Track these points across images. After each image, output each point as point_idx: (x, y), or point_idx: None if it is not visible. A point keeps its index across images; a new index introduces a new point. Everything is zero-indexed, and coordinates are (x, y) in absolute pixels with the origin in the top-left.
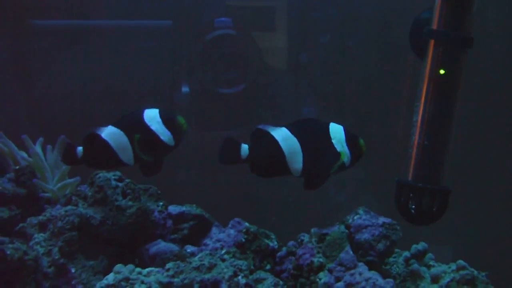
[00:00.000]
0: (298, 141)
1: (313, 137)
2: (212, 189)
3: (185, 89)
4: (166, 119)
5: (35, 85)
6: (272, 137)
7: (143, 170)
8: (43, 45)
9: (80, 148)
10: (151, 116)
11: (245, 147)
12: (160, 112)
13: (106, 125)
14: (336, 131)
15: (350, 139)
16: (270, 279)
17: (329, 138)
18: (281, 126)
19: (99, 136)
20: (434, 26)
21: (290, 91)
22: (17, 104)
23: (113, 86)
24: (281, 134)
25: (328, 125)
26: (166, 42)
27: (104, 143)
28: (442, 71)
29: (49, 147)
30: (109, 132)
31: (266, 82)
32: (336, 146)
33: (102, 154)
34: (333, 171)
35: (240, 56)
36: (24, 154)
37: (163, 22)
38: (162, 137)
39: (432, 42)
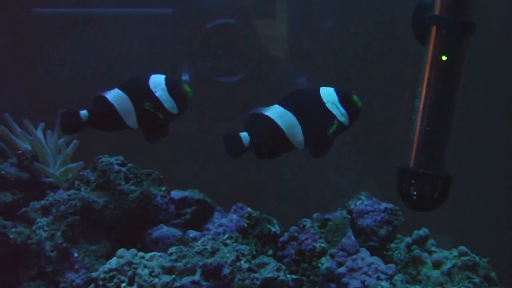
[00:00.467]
0: (293, 114)
1: (306, 106)
2: (214, 176)
3: (185, 77)
4: (171, 87)
5: (36, 71)
6: (267, 117)
7: (146, 135)
8: (43, 32)
9: (84, 112)
10: (157, 82)
11: (245, 135)
12: (165, 79)
13: (112, 87)
14: (328, 94)
15: (343, 98)
16: (273, 263)
17: (323, 103)
18: (272, 104)
19: (105, 99)
20: (436, 12)
21: (292, 78)
22: (17, 90)
23: (113, 73)
24: (275, 112)
25: (319, 90)
26: (166, 30)
27: (110, 105)
28: (444, 57)
29: (49, 132)
30: (114, 95)
31: (266, 70)
32: (330, 109)
33: (107, 116)
34: (331, 132)
35: (240, 45)
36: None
37: (164, 10)
38: (165, 104)
39: (434, 28)
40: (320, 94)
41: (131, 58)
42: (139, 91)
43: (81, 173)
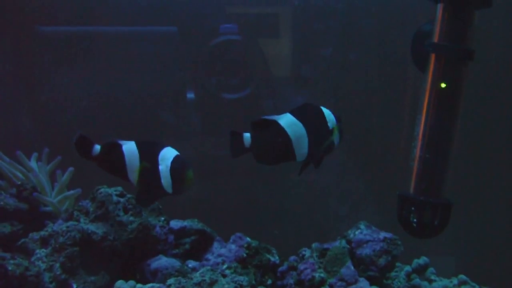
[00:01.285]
0: (304, 126)
1: (314, 121)
2: (214, 201)
3: (190, 94)
4: (175, 167)
5: (41, 93)
6: (278, 124)
7: (136, 196)
8: (49, 52)
9: (97, 147)
10: (166, 156)
11: (247, 136)
12: (175, 157)
13: (131, 139)
14: (328, 114)
15: (338, 119)
16: None
17: (326, 121)
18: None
19: (119, 147)
20: (435, 39)
21: (293, 100)
22: (22, 112)
23: (119, 93)
24: (287, 121)
25: (321, 108)
26: (172, 48)
27: (120, 155)
28: (443, 85)
29: (39, 163)
30: (127, 148)
31: (271, 88)
32: (331, 128)
33: (114, 164)
34: (323, 148)
35: (245, 62)
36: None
37: (169, 28)
38: (162, 180)
39: (433, 55)
40: (323, 112)
41: (135, 76)
42: (148, 156)
43: (80, 203)
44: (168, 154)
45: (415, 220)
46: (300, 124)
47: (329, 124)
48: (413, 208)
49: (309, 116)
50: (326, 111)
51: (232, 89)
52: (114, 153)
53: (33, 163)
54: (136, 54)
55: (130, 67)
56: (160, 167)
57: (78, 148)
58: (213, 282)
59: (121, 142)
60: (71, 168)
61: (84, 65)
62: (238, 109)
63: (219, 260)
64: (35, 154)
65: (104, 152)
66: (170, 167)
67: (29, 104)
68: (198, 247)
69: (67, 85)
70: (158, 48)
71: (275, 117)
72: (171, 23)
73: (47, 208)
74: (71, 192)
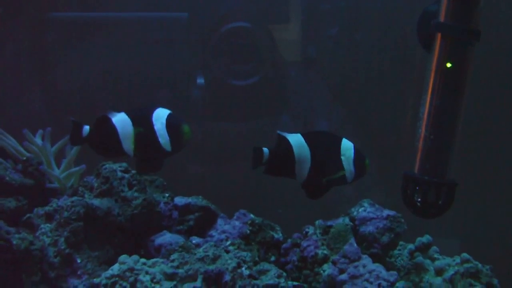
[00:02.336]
0: (310, 150)
1: (323, 150)
2: (218, 181)
3: (200, 80)
4: (170, 123)
5: (53, 77)
6: (288, 142)
7: (136, 165)
8: (61, 37)
9: (86, 127)
10: (160, 115)
11: (266, 151)
12: (168, 115)
13: (120, 110)
14: (347, 148)
15: (358, 158)
16: (274, 270)
17: (339, 154)
18: (297, 132)
19: (109, 120)
20: (441, 19)
21: (303, 83)
22: (35, 95)
23: (129, 77)
24: (296, 140)
25: (341, 140)
26: (182, 34)
27: (112, 127)
28: (449, 65)
29: (44, 141)
30: (119, 119)
31: (281, 74)
32: (343, 163)
33: (107, 138)
34: (331, 180)
35: (254, 49)
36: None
37: (180, 14)
38: (160, 139)
39: (439, 35)
40: (340, 145)
41: (145, 61)
42: (141, 120)
43: (85, 179)
44: (161, 113)
45: (419, 199)
46: (306, 147)
47: (342, 158)
48: (417, 188)
49: (320, 143)
50: (346, 145)
51: (241, 76)
52: (104, 127)
53: (38, 141)
54: (146, 39)
55: (140, 52)
56: (155, 127)
57: (71, 134)
58: (216, 257)
59: (111, 114)
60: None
61: (96, 51)
62: (248, 95)
63: (223, 236)
64: (40, 132)
65: (93, 130)
66: (166, 124)
67: (40, 85)
68: (202, 224)
69: (77, 69)
70: (168, 33)
71: (287, 134)
72: (182, 9)
73: (53, 184)
74: (76, 168)
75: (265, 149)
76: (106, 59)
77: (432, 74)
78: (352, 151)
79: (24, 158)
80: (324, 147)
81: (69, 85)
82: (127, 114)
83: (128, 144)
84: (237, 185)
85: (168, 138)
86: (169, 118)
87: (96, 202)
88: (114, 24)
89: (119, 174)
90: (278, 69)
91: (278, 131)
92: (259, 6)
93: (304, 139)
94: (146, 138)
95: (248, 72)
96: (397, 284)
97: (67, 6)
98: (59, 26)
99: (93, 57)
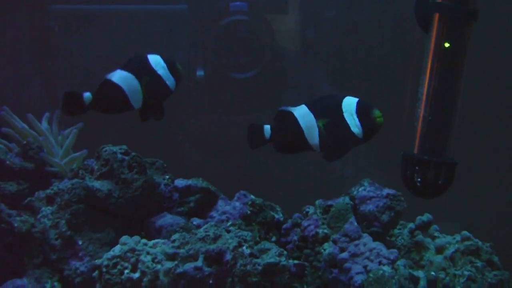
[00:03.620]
0: (314, 115)
1: (326, 111)
2: (219, 166)
3: (199, 72)
4: (170, 65)
5: (54, 64)
6: (292, 115)
7: (142, 115)
8: (60, 28)
9: (88, 94)
10: (156, 61)
11: (267, 128)
12: (165, 60)
13: (112, 69)
14: (349, 103)
15: (361, 109)
16: (274, 249)
17: (341, 111)
18: (301, 104)
19: (111, 81)
20: None
21: (303, 70)
22: (36, 83)
23: None
24: (300, 112)
25: (342, 99)
26: (181, 26)
27: (117, 87)
28: (446, 45)
29: (47, 126)
30: (120, 76)
31: (280, 66)
32: (346, 118)
33: (114, 98)
34: (345, 142)
35: (254, 42)
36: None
37: (179, 6)
38: (167, 82)
39: (436, 15)
40: (341, 102)
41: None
42: (143, 70)
43: (85, 162)
44: (156, 59)
45: (419, 179)
46: (311, 115)
47: (345, 115)
48: (417, 168)
49: (322, 106)
50: (349, 101)
51: (240, 69)
52: (109, 88)
53: (44, 124)
54: (146, 31)
55: (140, 44)
56: (159, 72)
57: (68, 106)
58: (217, 237)
59: (108, 76)
60: (75, 130)
61: (97, 42)
62: (247, 88)
63: (224, 217)
64: (46, 115)
65: (98, 94)
66: (167, 67)
67: (41, 73)
68: (203, 205)
69: (78, 59)
70: (168, 26)
71: (290, 108)
72: (182, 1)
73: (53, 168)
74: (77, 153)
75: (266, 126)
76: (106, 50)
77: (431, 55)
78: (354, 105)
79: (24, 142)
80: (326, 108)
81: (70, 73)
82: (125, 70)
83: (135, 98)
84: (235, 170)
85: (173, 79)
86: (167, 62)
87: (97, 184)
88: (114, 16)
89: (119, 156)
90: (277, 61)
91: (281, 108)
92: None
93: (308, 107)
94: (155, 84)
95: (247, 65)
96: (398, 262)
97: None
98: (60, 17)
99: (92, 48)
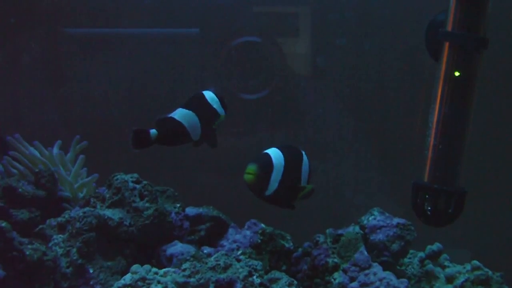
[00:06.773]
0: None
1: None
2: (229, 189)
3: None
4: (221, 99)
5: (68, 89)
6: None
7: (198, 143)
8: (74, 52)
9: (154, 131)
10: (211, 97)
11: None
12: (215, 94)
13: (174, 109)
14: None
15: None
16: (285, 278)
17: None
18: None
19: (173, 119)
20: (449, 28)
21: (312, 94)
22: (50, 106)
23: (142, 91)
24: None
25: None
26: (194, 50)
27: (179, 124)
28: (457, 73)
29: (58, 152)
30: (182, 114)
31: (290, 87)
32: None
33: (177, 133)
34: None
35: (264, 63)
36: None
37: (191, 30)
38: (220, 114)
39: (447, 44)
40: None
41: (159, 76)
42: (202, 108)
43: (97, 190)
44: (211, 95)
45: (429, 208)
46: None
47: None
48: (427, 196)
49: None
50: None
51: (251, 90)
52: (173, 126)
53: (55, 151)
54: (159, 55)
55: (153, 67)
56: (214, 106)
57: (137, 141)
58: (228, 266)
59: (172, 115)
60: (82, 156)
61: (111, 66)
62: (257, 109)
63: (234, 246)
64: (58, 142)
65: (162, 131)
66: (219, 102)
67: (54, 97)
68: (214, 234)
69: (91, 82)
70: (180, 49)
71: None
72: (194, 25)
73: (65, 193)
74: (88, 178)
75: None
76: (120, 73)
77: (441, 83)
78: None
79: (37, 170)
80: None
81: (84, 98)
82: (186, 108)
83: (195, 132)
84: (246, 196)
85: (223, 111)
86: (218, 96)
87: (108, 212)
88: (128, 40)
89: (131, 184)
90: (287, 82)
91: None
92: (269, 20)
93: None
94: (212, 118)
95: (258, 86)
96: None
97: (80, 21)
98: (74, 41)
99: (108, 71)
